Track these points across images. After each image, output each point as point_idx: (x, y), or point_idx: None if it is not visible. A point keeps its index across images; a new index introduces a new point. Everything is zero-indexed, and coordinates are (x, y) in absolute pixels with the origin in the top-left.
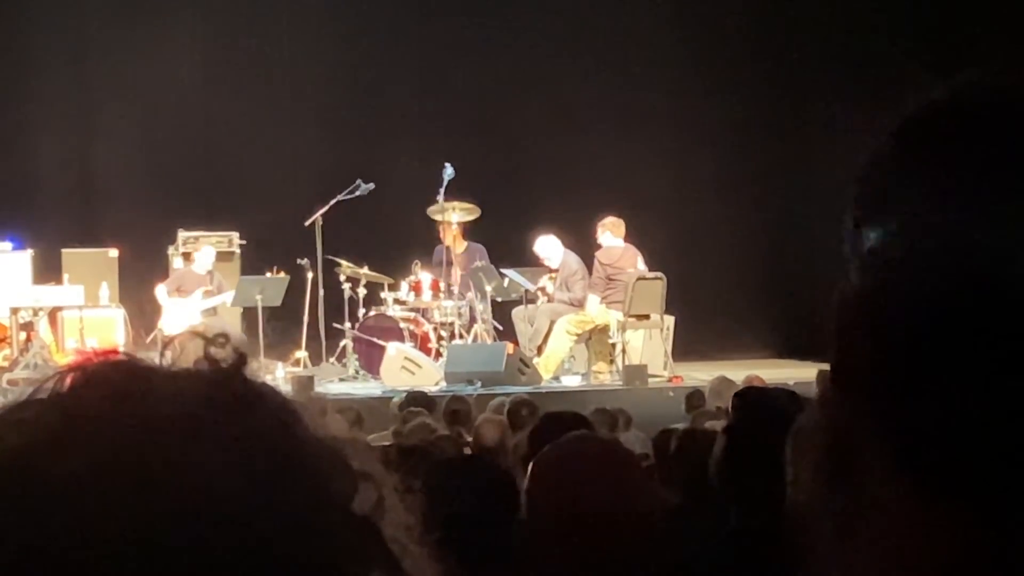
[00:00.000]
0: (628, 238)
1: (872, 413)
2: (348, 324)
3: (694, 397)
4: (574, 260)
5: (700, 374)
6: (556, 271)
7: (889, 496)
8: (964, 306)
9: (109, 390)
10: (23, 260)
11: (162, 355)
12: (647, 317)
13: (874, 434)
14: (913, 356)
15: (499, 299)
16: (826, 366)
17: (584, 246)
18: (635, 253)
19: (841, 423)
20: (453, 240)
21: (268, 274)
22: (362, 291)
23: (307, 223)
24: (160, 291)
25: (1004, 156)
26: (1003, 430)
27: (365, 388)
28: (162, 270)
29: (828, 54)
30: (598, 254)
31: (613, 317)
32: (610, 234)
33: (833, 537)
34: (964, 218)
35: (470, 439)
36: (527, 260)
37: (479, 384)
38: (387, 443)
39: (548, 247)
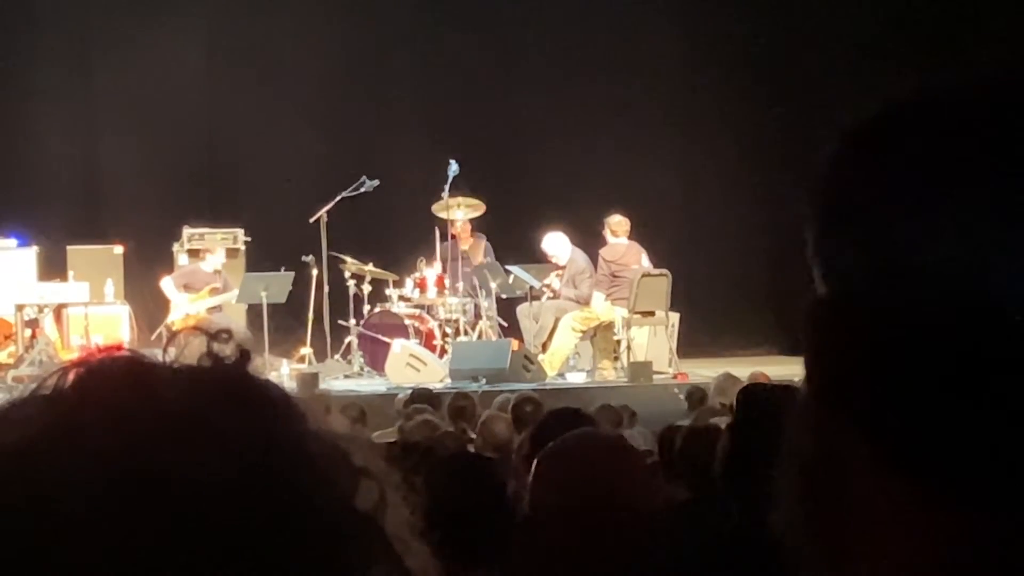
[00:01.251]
0: (634, 235)
1: (857, 423)
2: (353, 321)
3: (695, 394)
4: (581, 257)
5: (705, 371)
6: (563, 268)
7: (880, 506)
8: (943, 309)
9: (112, 387)
10: (28, 257)
11: (165, 351)
12: (652, 314)
13: (861, 444)
14: (895, 363)
15: (504, 296)
16: None
17: (590, 243)
18: (639, 250)
19: (824, 436)
20: (459, 238)
21: (273, 272)
22: (367, 288)
23: (312, 220)
24: (167, 284)
25: (971, 159)
26: (994, 433)
27: (370, 385)
28: (167, 267)
29: (834, 53)
30: (602, 252)
31: (618, 314)
32: (613, 232)
33: (824, 554)
34: (931, 223)
35: (474, 436)
36: (533, 257)
37: (484, 381)
38: (391, 440)
39: (556, 244)
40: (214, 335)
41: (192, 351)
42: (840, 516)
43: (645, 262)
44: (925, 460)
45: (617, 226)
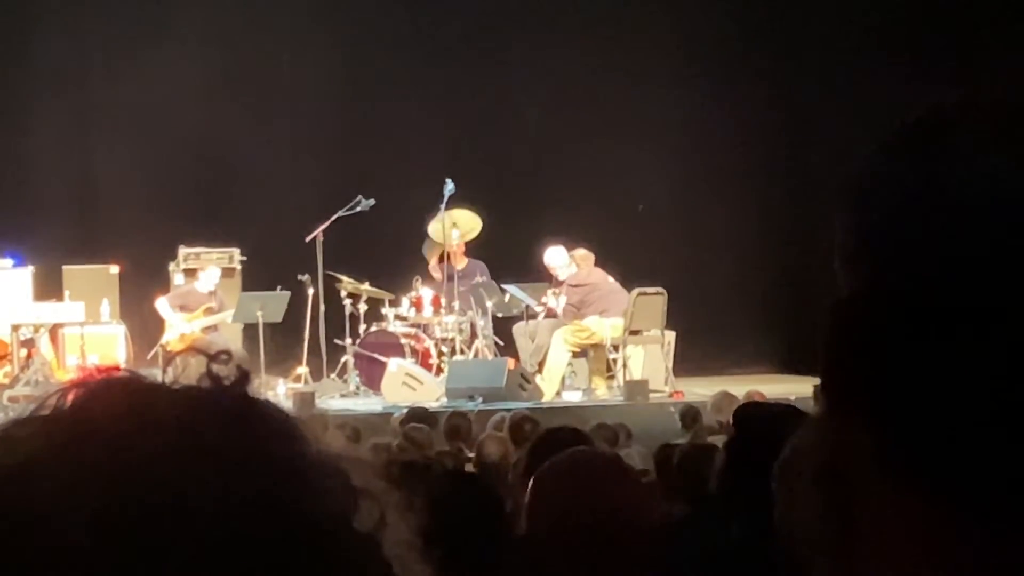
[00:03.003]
0: (625, 253)
1: (869, 428)
2: (349, 340)
3: (688, 414)
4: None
5: (701, 389)
6: (562, 283)
7: (890, 517)
8: (959, 313)
9: (111, 407)
10: (24, 277)
11: (164, 372)
12: (647, 332)
13: (873, 453)
14: (910, 367)
15: (500, 315)
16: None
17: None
18: (603, 272)
19: (836, 442)
20: (454, 256)
21: (269, 292)
22: (363, 307)
23: (308, 239)
24: (162, 304)
25: (1014, 165)
26: (1006, 439)
27: (366, 404)
28: (163, 286)
29: (834, 65)
30: (567, 280)
31: (609, 324)
32: (578, 265)
33: (833, 559)
34: (959, 226)
35: (471, 455)
36: (529, 274)
37: (480, 400)
38: (387, 458)
39: (557, 257)
40: (213, 356)
41: (191, 372)
42: (850, 526)
43: (611, 279)
44: (941, 472)
45: (582, 260)
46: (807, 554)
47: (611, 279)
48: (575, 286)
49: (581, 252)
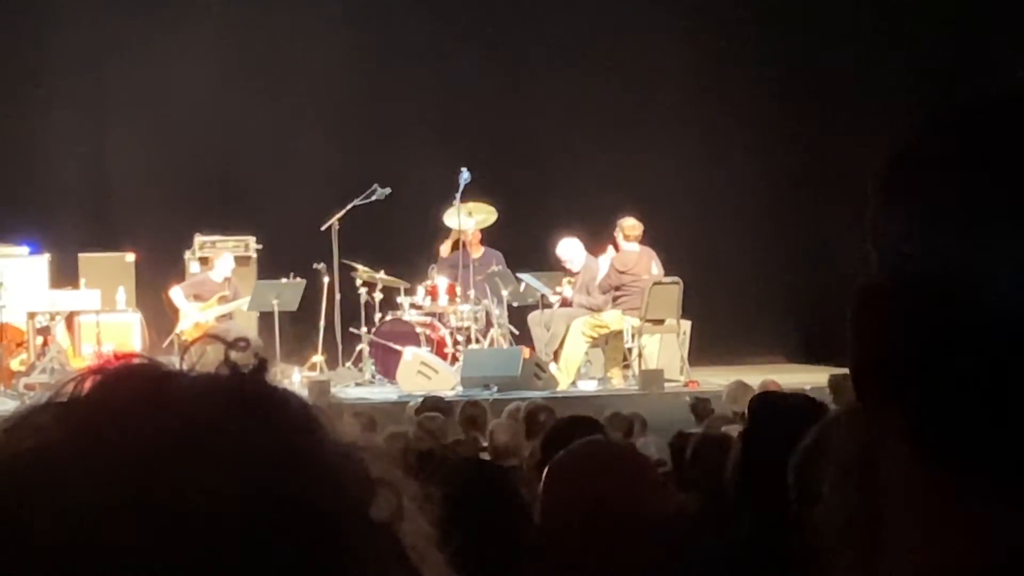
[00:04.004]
0: (646, 240)
1: (903, 416)
2: (364, 329)
3: (699, 405)
4: (595, 264)
5: (716, 379)
6: (576, 274)
7: (918, 503)
8: (1000, 298)
9: (129, 394)
10: (40, 265)
11: (182, 359)
12: (663, 322)
13: (906, 438)
14: (946, 352)
15: (515, 304)
16: (841, 371)
17: (602, 250)
18: (650, 257)
19: (869, 431)
20: (470, 245)
21: (283, 280)
22: (378, 296)
23: (323, 228)
24: (176, 293)
25: None
26: None
27: (381, 393)
28: (179, 274)
29: (848, 60)
30: (613, 259)
31: (628, 323)
32: (626, 237)
33: (861, 549)
34: (994, 213)
35: (486, 444)
36: (545, 264)
37: (495, 389)
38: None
39: (571, 250)
40: (231, 343)
41: (209, 359)
42: (881, 515)
43: (655, 269)
44: (971, 457)
45: (630, 230)
46: (833, 545)
47: (655, 266)
48: (622, 272)
49: (630, 222)
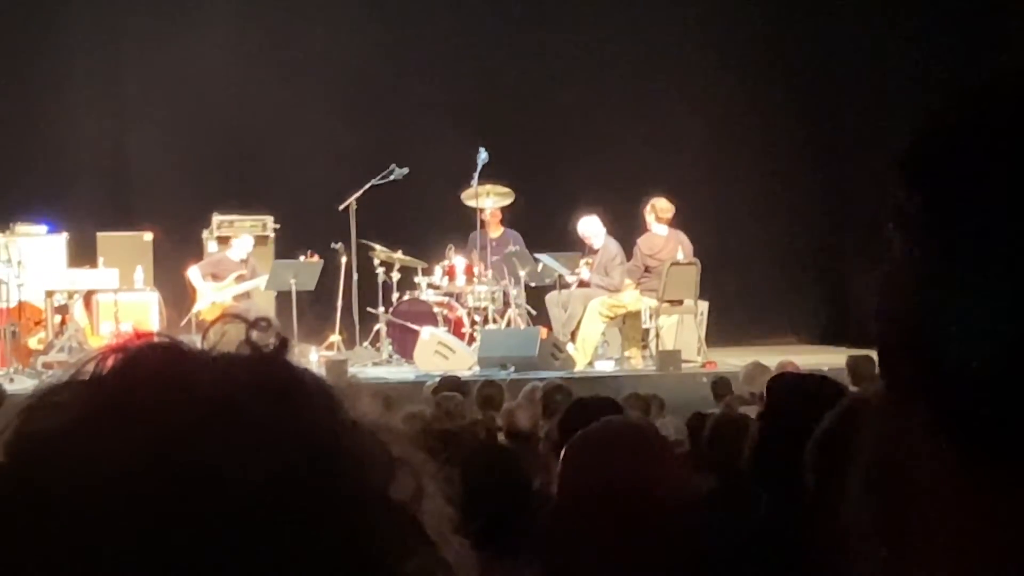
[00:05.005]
0: (674, 222)
1: (930, 404)
2: (382, 308)
3: (720, 384)
4: (614, 245)
5: (734, 359)
6: (594, 254)
7: (946, 493)
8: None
9: (152, 372)
10: (58, 244)
11: (204, 339)
12: (681, 302)
13: (930, 424)
14: (970, 338)
15: (533, 284)
16: (860, 353)
17: (620, 230)
18: (677, 242)
19: (894, 421)
20: (488, 225)
21: (302, 258)
22: (396, 275)
23: (341, 207)
24: (194, 273)
25: None
26: None
27: (399, 372)
28: (197, 254)
29: (865, 49)
30: (640, 241)
31: (646, 304)
32: (658, 218)
33: (886, 540)
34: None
35: (502, 424)
36: (562, 244)
37: (512, 369)
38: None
39: (591, 227)
40: (253, 323)
41: (230, 338)
42: (905, 504)
43: (680, 255)
44: (1002, 446)
45: (663, 212)
46: (856, 534)
47: (681, 252)
48: (648, 255)
49: (663, 204)
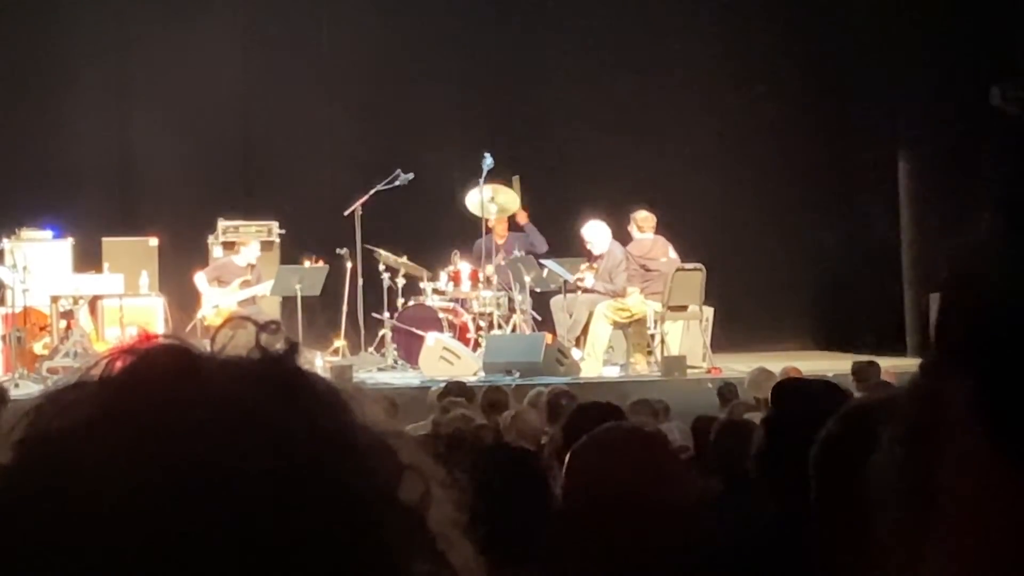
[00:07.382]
0: (660, 230)
1: (972, 383)
2: (387, 314)
3: (726, 390)
4: (619, 250)
5: (739, 365)
6: (596, 259)
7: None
8: None
9: (162, 374)
10: (63, 249)
11: (213, 342)
12: (686, 308)
13: (972, 404)
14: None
15: (538, 289)
16: (863, 358)
17: (623, 237)
18: (665, 243)
19: (932, 397)
20: (495, 231)
21: (307, 263)
22: (401, 281)
23: (346, 213)
24: (200, 279)
25: None
26: None
27: (404, 378)
28: (202, 259)
29: (872, 52)
30: (629, 248)
31: (651, 308)
32: (638, 228)
33: (912, 515)
34: None
35: (507, 429)
36: (567, 250)
37: (517, 374)
38: (426, 432)
39: (596, 232)
40: (263, 326)
41: (239, 341)
42: (934, 472)
43: (672, 254)
44: None
45: (643, 222)
46: (877, 491)
47: (672, 251)
48: (639, 256)
49: (643, 214)
